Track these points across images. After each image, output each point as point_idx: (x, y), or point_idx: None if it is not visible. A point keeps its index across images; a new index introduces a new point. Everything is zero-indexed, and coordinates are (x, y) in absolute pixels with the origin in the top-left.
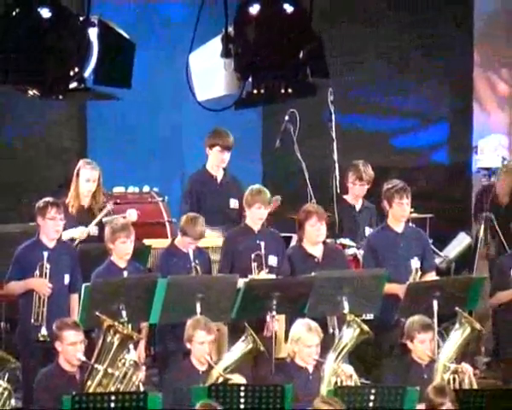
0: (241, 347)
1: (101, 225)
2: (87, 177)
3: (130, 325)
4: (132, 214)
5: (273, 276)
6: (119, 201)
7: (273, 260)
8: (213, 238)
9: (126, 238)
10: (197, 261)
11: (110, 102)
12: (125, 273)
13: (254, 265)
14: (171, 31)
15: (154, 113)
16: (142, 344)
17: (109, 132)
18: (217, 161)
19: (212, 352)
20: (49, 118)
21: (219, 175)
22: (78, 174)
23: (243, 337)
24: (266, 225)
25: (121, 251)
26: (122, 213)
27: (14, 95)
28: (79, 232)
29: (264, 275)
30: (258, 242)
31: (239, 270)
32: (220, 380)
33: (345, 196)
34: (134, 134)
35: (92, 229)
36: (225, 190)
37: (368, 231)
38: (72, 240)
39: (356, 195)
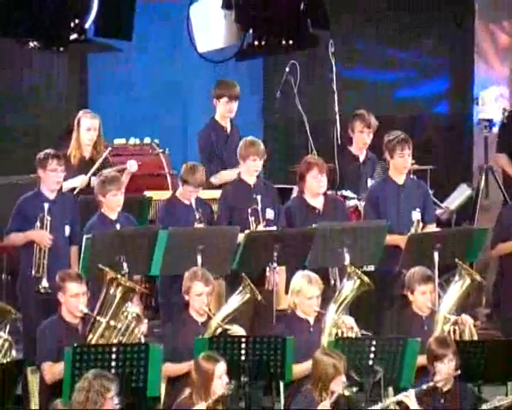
0: (239, 297)
1: None
2: (87, 126)
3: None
4: (133, 165)
5: (273, 228)
6: (119, 152)
7: (270, 214)
8: (216, 191)
9: (117, 191)
10: (200, 210)
11: (111, 55)
12: (118, 225)
13: (252, 219)
14: None
15: (154, 65)
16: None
17: (110, 85)
18: (225, 112)
19: (210, 304)
20: (51, 70)
21: (228, 126)
22: (78, 124)
23: (240, 288)
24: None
25: (112, 203)
26: (122, 165)
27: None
28: (80, 182)
29: (261, 229)
30: (254, 196)
31: (236, 225)
32: (219, 331)
33: (349, 147)
34: (135, 86)
35: (92, 178)
36: (234, 140)
37: (370, 182)
38: (73, 190)
39: (364, 143)
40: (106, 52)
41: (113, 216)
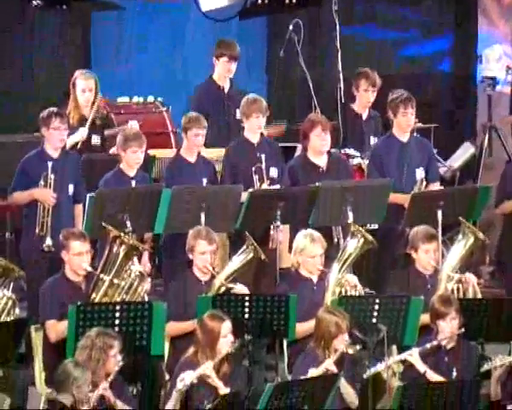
0: (242, 256)
1: (102, 136)
2: (82, 87)
3: (134, 236)
4: (134, 126)
5: (277, 187)
6: (123, 111)
7: (274, 172)
8: (218, 149)
9: (138, 148)
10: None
11: (114, 13)
12: (133, 182)
13: (256, 178)
14: None
15: (157, 24)
16: (146, 255)
17: (113, 43)
18: (224, 72)
19: (214, 263)
20: (54, 29)
21: (226, 86)
22: (74, 85)
23: (244, 247)
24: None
25: (132, 160)
26: (123, 126)
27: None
28: (80, 135)
29: (265, 187)
30: (258, 154)
31: (240, 183)
32: (222, 289)
33: (352, 105)
34: (137, 45)
35: (94, 139)
36: (232, 100)
37: (373, 140)
38: (75, 146)
39: (367, 102)
40: (109, 10)
41: (131, 173)
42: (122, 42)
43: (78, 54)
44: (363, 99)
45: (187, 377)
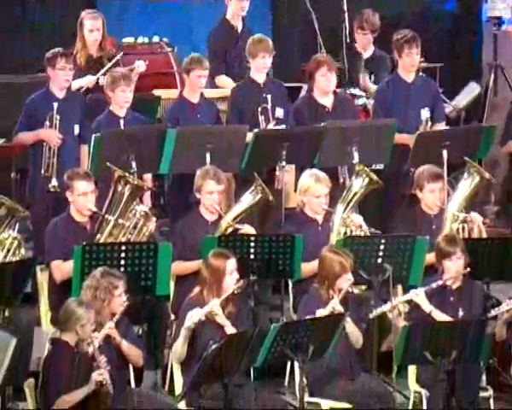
0: (250, 197)
1: None
2: (89, 27)
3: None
4: (140, 66)
5: (283, 127)
6: (128, 51)
7: (279, 112)
8: (221, 90)
9: (126, 87)
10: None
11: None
12: (122, 122)
13: (261, 118)
14: None
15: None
16: (147, 195)
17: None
18: (237, 10)
19: (221, 203)
20: None
21: (239, 26)
22: (81, 25)
23: (252, 188)
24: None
25: (121, 100)
26: (130, 65)
27: None
28: (87, 80)
29: (271, 128)
30: (264, 95)
31: (246, 124)
32: (230, 230)
33: (356, 45)
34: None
35: (101, 79)
36: (245, 40)
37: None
38: (80, 88)
39: (363, 43)
40: None
41: (121, 113)
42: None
43: None
44: (359, 41)
45: (195, 315)
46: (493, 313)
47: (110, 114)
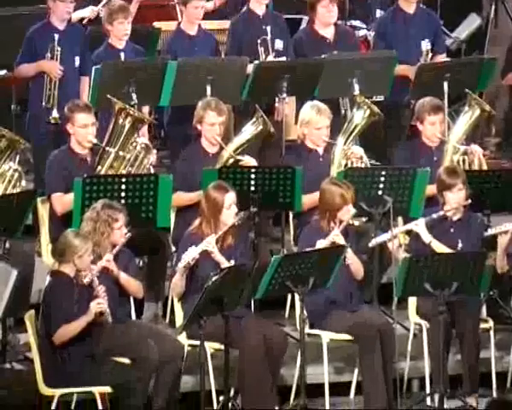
0: (252, 129)
1: None
2: None
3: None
4: None
5: (283, 59)
6: None
7: (279, 44)
8: (218, 21)
9: (124, 19)
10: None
11: None
12: (123, 55)
13: (261, 50)
14: None
15: None
16: (145, 127)
17: None
18: None
19: (221, 135)
20: None
21: None
22: None
23: (253, 119)
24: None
25: (119, 32)
26: None
27: None
28: (89, 11)
29: (271, 59)
30: (263, 26)
31: (246, 56)
32: (231, 161)
33: None
34: None
35: (101, 11)
36: None
37: (379, 13)
38: (82, 20)
39: None
40: None
41: (120, 46)
42: None
43: None
44: None
45: (189, 254)
46: (490, 232)
47: (109, 46)
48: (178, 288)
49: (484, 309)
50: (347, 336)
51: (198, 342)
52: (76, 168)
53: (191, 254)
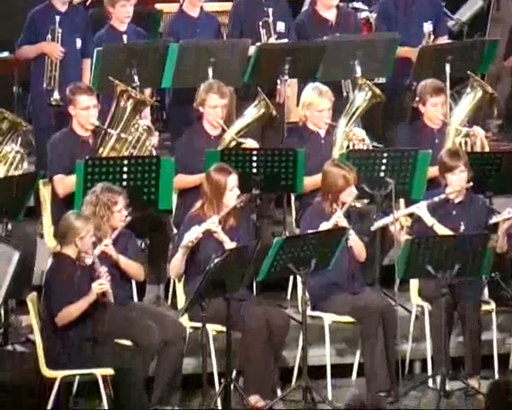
0: (254, 111)
1: None
2: None
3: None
4: None
5: (285, 41)
6: None
7: (281, 26)
8: (220, 4)
9: (126, 1)
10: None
11: None
12: (125, 37)
13: (263, 32)
14: None
15: None
16: (147, 109)
17: None
18: None
19: (223, 117)
20: None
21: None
22: None
23: (256, 102)
24: None
25: (121, 14)
26: None
27: None
28: None
29: (273, 41)
30: (265, 8)
31: (247, 38)
32: (233, 144)
33: None
34: None
35: None
36: None
37: None
38: (85, 2)
39: None
40: None
41: (122, 28)
42: None
43: None
44: None
45: (192, 233)
46: (495, 219)
47: (111, 28)
48: (177, 268)
49: (486, 291)
50: (349, 318)
51: (200, 324)
52: (78, 150)
53: (194, 234)
